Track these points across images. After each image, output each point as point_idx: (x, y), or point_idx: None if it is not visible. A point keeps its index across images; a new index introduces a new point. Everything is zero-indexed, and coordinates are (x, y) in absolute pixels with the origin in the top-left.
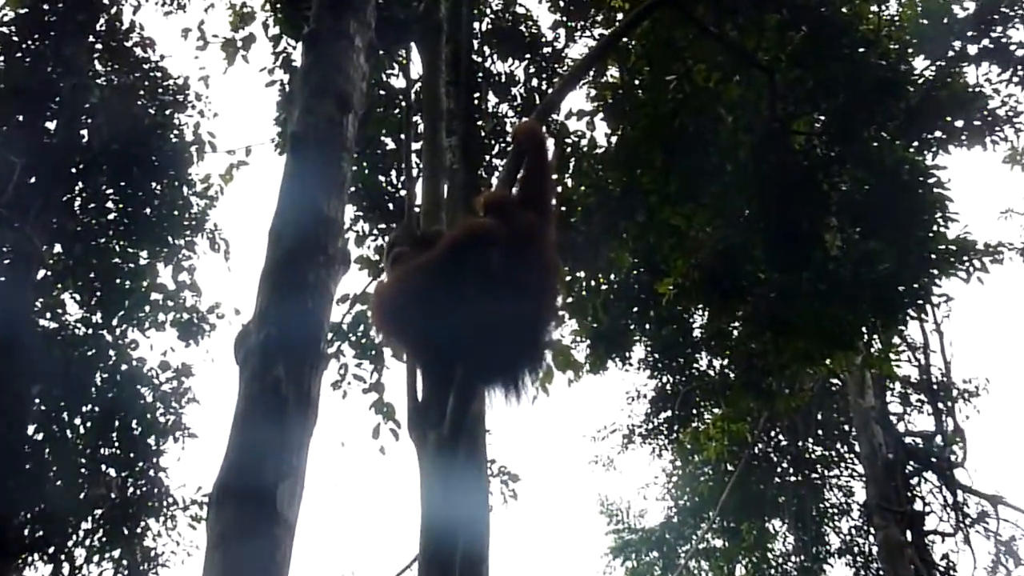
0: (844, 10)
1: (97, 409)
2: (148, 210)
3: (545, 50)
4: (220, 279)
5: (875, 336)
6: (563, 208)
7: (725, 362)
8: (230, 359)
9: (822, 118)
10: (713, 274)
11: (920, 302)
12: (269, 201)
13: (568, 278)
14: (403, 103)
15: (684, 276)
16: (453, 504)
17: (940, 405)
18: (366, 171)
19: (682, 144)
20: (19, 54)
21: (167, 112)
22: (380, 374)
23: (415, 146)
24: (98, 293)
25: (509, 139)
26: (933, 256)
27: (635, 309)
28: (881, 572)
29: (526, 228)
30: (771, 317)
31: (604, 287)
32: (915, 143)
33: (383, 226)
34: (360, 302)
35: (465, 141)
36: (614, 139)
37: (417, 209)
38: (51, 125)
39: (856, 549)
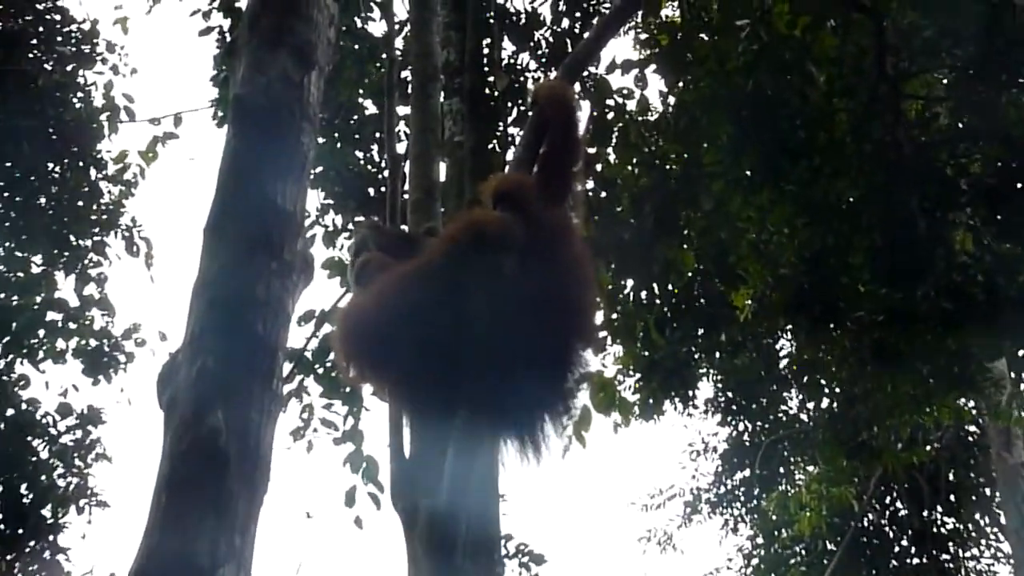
0: None
1: None
2: (42, 200)
3: None
4: (140, 293)
5: (1019, 373)
6: (603, 194)
7: (822, 404)
8: (152, 401)
9: (944, 80)
10: (799, 288)
11: None
12: (206, 188)
13: (610, 288)
14: (385, 56)
15: (766, 288)
16: None
17: None
18: (337, 146)
19: (757, 112)
20: None
21: (68, 68)
22: (357, 419)
23: (402, 111)
24: None
25: (528, 103)
26: None
27: (701, 331)
28: None
29: (551, 224)
30: (876, 346)
31: (659, 300)
32: None
33: (361, 219)
34: (330, 321)
35: (470, 105)
36: (671, 100)
37: (405, 197)
38: None
39: None
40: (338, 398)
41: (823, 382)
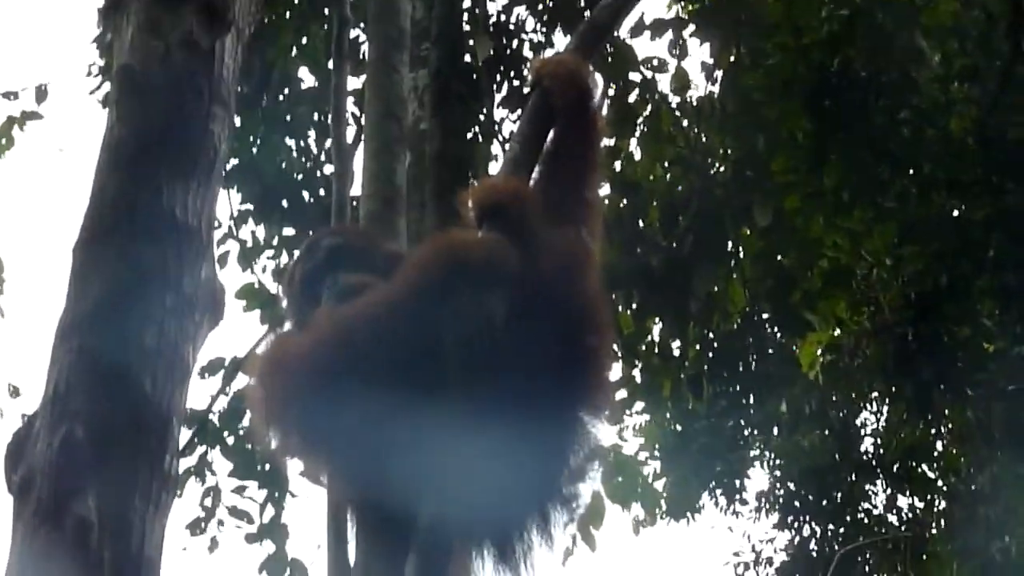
0: None
1: None
2: None
3: None
4: None
5: None
6: (624, 203)
7: (920, 503)
8: None
9: None
10: (902, 341)
11: None
12: (77, 188)
13: (630, 334)
14: (331, 12)
15: (855, 339)
16: None
17: None
18: (260, 135)
19: (845, 101)
20: None
21: None
22: (280, 508)
23: (354, 84)
24: None
25: (528, 84)
26: None
27: (752, 396)
28: None
29: (555, 250)
30: (1010, 421)
31: (697, 351)
32: None
33: (291, 231)
34: (245, 371)
35: (443, 82)
36: (719, 76)
37: (356, 205)
38: None
39: None
40: (253, 479)
41: (926, 471)
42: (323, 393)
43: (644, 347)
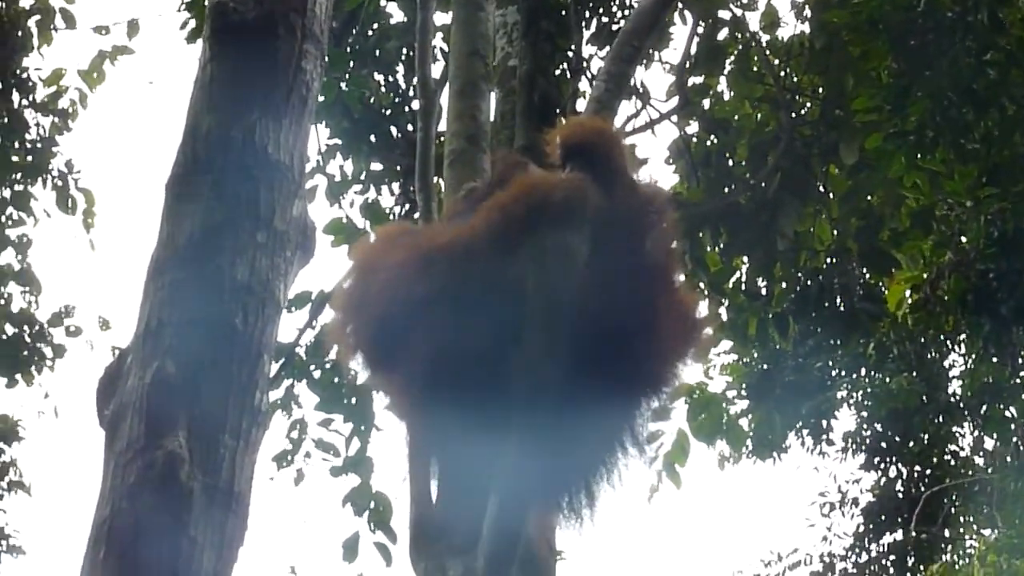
0: None
1: None
2: None
3: None
4: (76, 264)
5: None
6: (712, 140)
7: (1009, 444)
8: (90, 414)
9: None
10: (982, 278)
11: None
12: (171, 126)
13: (717, 271)
14: None
15: (930, 289)
16: None
17: None
18: (348, 72)
19: (931, 41)
20: None
21: None
22: (365, 442)
23: (442, 19)
24: None
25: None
26: None
27: (836, 334)
28: None
29: (637, 192)
30: None
31: (783, 287)
32: None
33: (379, 167)
34: (333, 305)
35: (529, 17)
36: (808, 14)
37: (440, 140)
38: None
39: None
40: (340, 412)
41: (1012, 413)
42: (398, 325)
43: (730, 285)
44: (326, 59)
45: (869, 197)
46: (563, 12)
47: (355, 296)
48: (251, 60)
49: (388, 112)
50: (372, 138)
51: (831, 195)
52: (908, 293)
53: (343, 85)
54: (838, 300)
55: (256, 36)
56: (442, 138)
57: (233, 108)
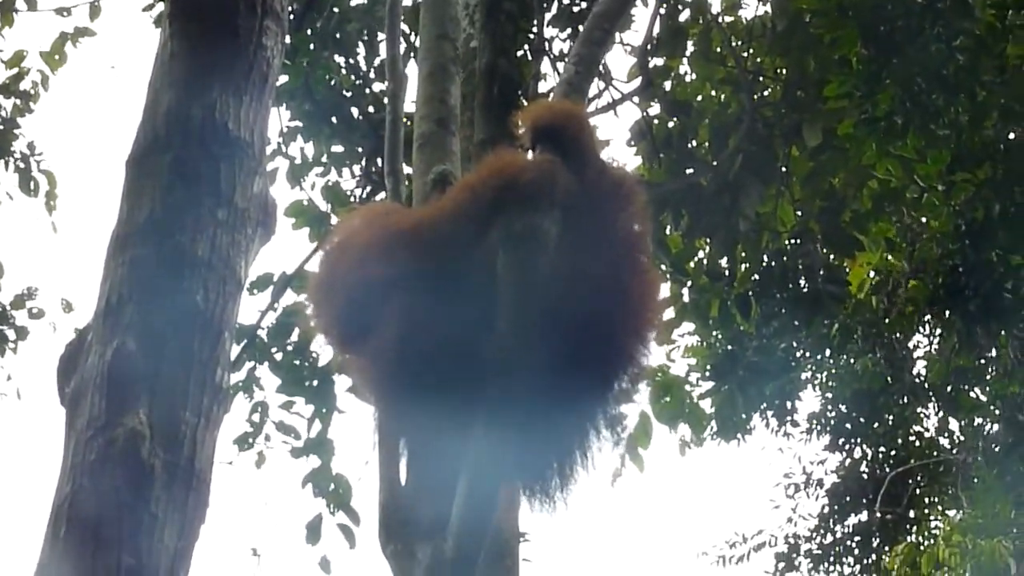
0: None
1: None
2: None
3: None
4: (38, 246)
5: None
6: (672, 122)
7: (974, 425)
8: (51, 394)
9: None
10: (951, 269)
11: None
12: (131, 107)
13: (679, 253)
14: None
15: (897, 273)
16: None
17: None
18: (310, 50)
19: (901, 28)
20: None
21: None
22: (326, 424)
23: (405, 1)
24: None
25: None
26: None
27: (802, 316)
28: None
29: (606, 175)
30: None
31: (745, 268)
32: None
33: (340, 149)
34: (296, 287)
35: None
36: None
37: (408, 123)
38: None
39: None
40: (301, 394)
41: (978, 395)
42: (367, 301)
43: (692, 266)
44: (287, 37)
45: (832, 179)
46: None
47: (326, 275)
48: (211, 37)
49: (349, 94)
50: (333, 120)
51: (793, 177)
52: (871, 274)
53: (304, 66)
54: (801, 281)
55: (217, 13)
56: (408, 120)
57: (193, 85)
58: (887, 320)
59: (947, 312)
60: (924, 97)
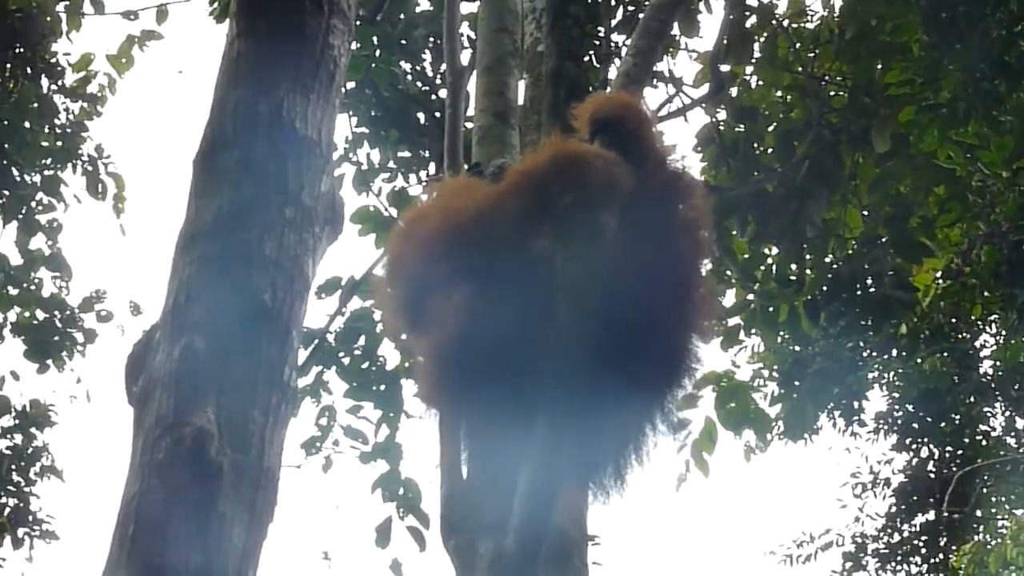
0: None
1: None
2: None
3: None
4: (106, 249)
5: None
6: (740, 128)
7: None
8: (119, 395)
9: None
10: (1013, 254)
11: None
12: (198, 109)
13: (746, 259)
14: None
15: (962, 260)
16: None
17: None
18: (377, 55)
19: (962, 14)
20: None
21: None
22: (394, 428)
23: (467, 8)
24: None
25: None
26: None
27: (870, 319)
28: None
29: (666, 170)
30: None
31: (812, 276)
32: None
33: (406, 154)
34: (362, 293)
35: (560, 2)
36: (837, 1)
37: (469, 125)
38: None
39: None
40: (369, 399)
41: None
42: (429, 285)
43: (760, 272)
44: (354, 35)
45: (899, 185)
46: None
47: (395, 257)
48: (278, 35)
49: (415, 100)
50: (400, 125)
51: (859, 183)
52: (938, 277)
53: (370, 72)
54: (870, 286)
55: (283, 11)
56: (469, 121)
57: (260, 83)
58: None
59: (1011, 287)
60: (986, 83)
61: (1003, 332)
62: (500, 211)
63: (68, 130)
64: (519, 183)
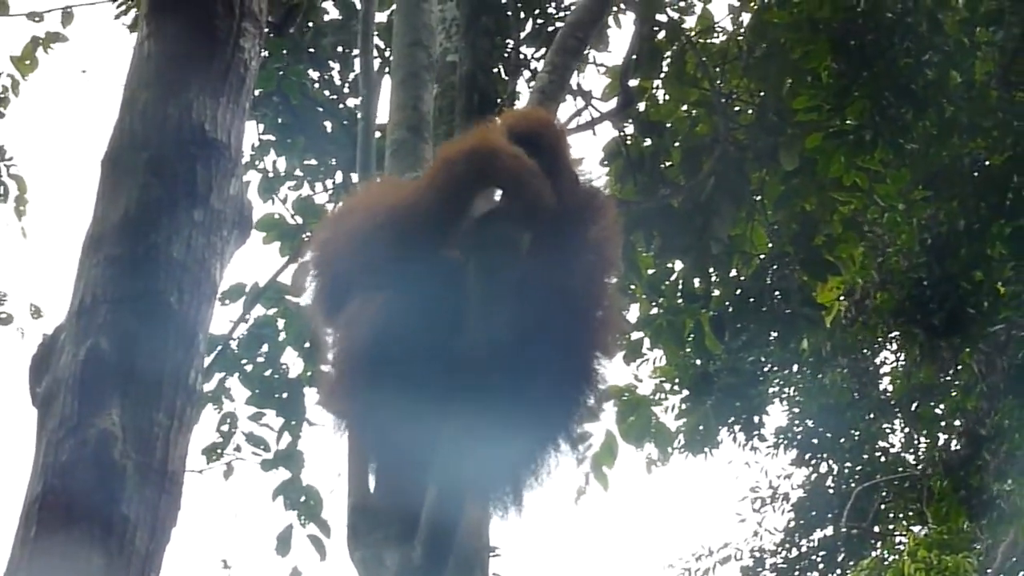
0: None
1: None
2: None
3: None
4: (7, 251)
5: None
6: (647, 142)
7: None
8: (21, 396)
9: None
10: (916, 285)
11: None
12: (104, 110)
13: (651, 274)
14: None
15: (866, 283)
16: None
17: None
18: (283, 62)
19: (871, 42)
20: None
21: None
22: (297, 435)
23: (380, 17)
24: None
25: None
26: None
27: (774, 335)
28: None
29: (580, 186)
30: (1020, 369)
31: (717, 292)
32: None
33: (313, 162)
34: (267, 300)
35: (470, 10)
36: (745, 18)
37: (379, 135)
38: None
39: None
40: (272, 407)
41: (940, 412)
42: (347, 279)
43: (665, 287)
44: (264, 50)
45: (804, 203)
46: (506, 11)
47: (319, 247)
48: (189, 37)
49: (322, 109)
50: (306, 133)
51: (765, 200)
52: (842, 298)
53: (280, 74)
54: (777, 302)
55: (194, 12)
56: (379, 131)
57: (170, 84)
58: (853, 331)
59: (911, 325)
60: (893, 111)
61: (905, 358)
62: (417, 209)
63: None
64: (437, 178)
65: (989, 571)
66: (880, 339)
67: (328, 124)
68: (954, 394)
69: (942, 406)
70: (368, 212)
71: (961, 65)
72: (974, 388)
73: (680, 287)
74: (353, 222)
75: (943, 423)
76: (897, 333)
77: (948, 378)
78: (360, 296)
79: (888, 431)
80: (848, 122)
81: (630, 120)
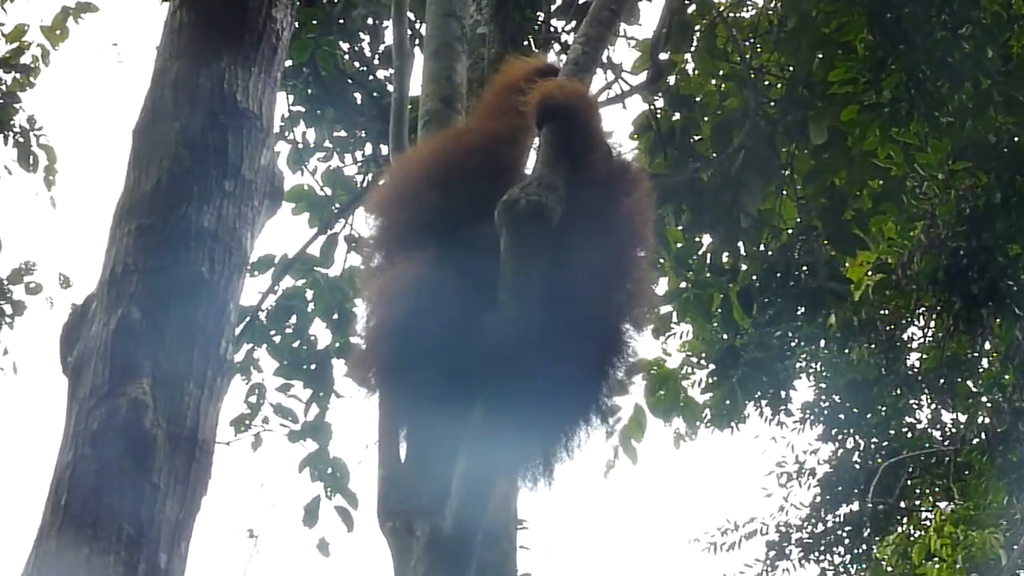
0: None
1: None
2: None
3: None
4: (37, 221)
5: None
6: (676, 116)
7: (965, 419)
8: (52, 367)
9: None
10: (953, 256)
11: None
12: (135, 81)
13: (679, 247)
14: None
15: (900, 271)
16: None
17: None
18: (315, 32)
19: (907, 14)
20: None
21: None
22: (325, 407)
23: None
24: None
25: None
26: None
27: (801, 310)
28: None
29: (613, 160)
30: None
31: (746, 266)
32: None
33: (342, 133)
34: (296, 271)
35: None
36: None
37: (410, 107)
38: None
39: None
40: (299, 378)
41: (972, 387)
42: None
43: (693, 261)
44: (297, 22)
45: (834, 177)
46: None
47: (384, 190)
48: (221, 6)
49: (352, 80)
50: (336, 104)
51: (794, 174)
52: (869, 273)
53: (307, 52)
54: (804, 277)
55: None
56: (409, 105)
57: (201, 55)
58: (889, 296)
59: (948, 294)
60: (929, 84)
61: (937, 333)
62: (461, 167)
63: (0, 101)
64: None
65: (1016, 547)
66: (909, 314)
67: (358, 96)
68: (990, 367)
69: (971, 381)
70: (424, 163)
71: (998, 38)
72: (1012, 360)
73: (708, 261)
74: (410, 171)
75: (981, 398)
76: (928, 305)
77: (976, 354)
78: (402, 257)
79: (915, 407)
80: (884, 94)
81: (660, 93)
